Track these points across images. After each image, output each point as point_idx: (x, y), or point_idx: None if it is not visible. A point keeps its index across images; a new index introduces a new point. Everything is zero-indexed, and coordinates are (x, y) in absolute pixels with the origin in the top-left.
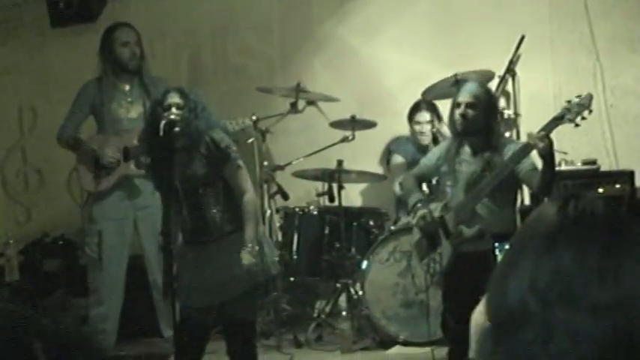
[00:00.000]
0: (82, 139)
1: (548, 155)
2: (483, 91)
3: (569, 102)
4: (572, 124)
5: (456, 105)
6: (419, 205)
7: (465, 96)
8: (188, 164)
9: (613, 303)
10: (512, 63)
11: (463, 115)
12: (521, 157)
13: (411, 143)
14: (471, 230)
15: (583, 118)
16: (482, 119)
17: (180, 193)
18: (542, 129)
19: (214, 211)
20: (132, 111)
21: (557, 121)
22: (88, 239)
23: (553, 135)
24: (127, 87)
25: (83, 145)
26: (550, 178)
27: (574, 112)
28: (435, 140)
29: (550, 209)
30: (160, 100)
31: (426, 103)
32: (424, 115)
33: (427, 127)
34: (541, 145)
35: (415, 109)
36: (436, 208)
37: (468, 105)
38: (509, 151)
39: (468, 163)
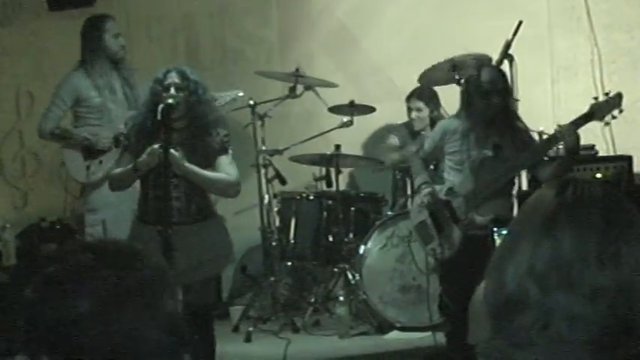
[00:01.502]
0: (70, 129)
1: (573, 150)
2: (503, 74)
3: (596, 99)
4: (602, 122)
5: (479, 91)
6: (423, 185)
7: (490, 84)
8: (182, 146)
9: (611, 287)
10: (509, 47)
11: (490, 104)
12: (546, 150)
13: (406, 127)
14: (484, 219)
15: (614, 117)
16: (505, 104)
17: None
18: (572, 123)
19: (188, 196)
20: (117, 101)
21: (587, 118)
22: (91, 229)
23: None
24: (112, 78)
25: (74, 135)
26: (567, 171)
27: (604, 110)
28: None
29: (548, 194)
30: (160, 79)
31: (422, 90)
32: (416, 103)
33: (419, 114)
34: (569, 139)
35: (411, 95)
36: (441, 190)
37: (495, 92)
38: (520, 139)
39: (478, 147)
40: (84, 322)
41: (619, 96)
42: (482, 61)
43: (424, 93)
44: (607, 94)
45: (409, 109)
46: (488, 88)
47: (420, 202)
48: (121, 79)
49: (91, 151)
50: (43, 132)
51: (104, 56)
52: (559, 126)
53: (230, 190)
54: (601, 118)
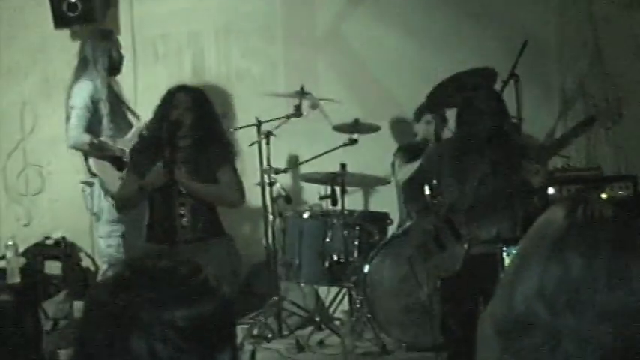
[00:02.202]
0: (105, 141)
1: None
2: (497, 97)
3: (595, 106)
4: (604, 129)
5: (473, 112)
6: (423, 210)
7: (482, 105)
8: (186, 164)
9: (621, 308)
10: (515, 68)
11: (483, 123)
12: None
13: (406, 149)
14: (485, 233)
15: (614, 122)
16: (498, 126)
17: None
18: (569, 134)
19: (194, 213)
20: (118, 113)
21: (589, 123)
22: (110, 240)
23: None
24: (111, 90)
25: (111, 146)
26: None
27: (604, 115)
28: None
29: (558, 214)
30: (170, 96)
31: (427, 107)
32: (422, 121)
33: (424, 132)
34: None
35: (418, 113)
36: (441, 207)
37: (486, 114)
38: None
39: (475, 164)
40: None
41: (619, 100)
42: (485, 77)
43: (432, 109)
44: (607, 99)
45: (416, 127)
46: (481, 110)
47: (422, 228)
48: (113, 92)
49: (121, 163)
50: (80, 143)
51: (105, 67)
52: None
53: (234, 198)
54: (602, 124)
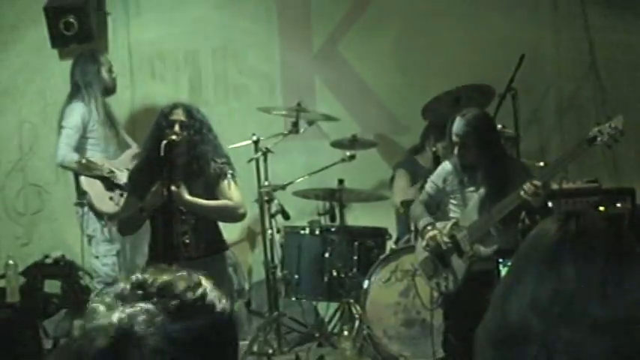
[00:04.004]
0: (94, 161)
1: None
2: (473, 127)
3: (598, 124)
4: (607, 147)
5: (452, 143)
6: (428, 227)
7: (456, 137)
8: (185, 182)
9: (614, 320)
10: (512, 82)
11: (460, 156)
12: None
13: (415, 163)
14: (488, 249)
15: (616, 140)
16: (480, 153)
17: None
18: (570, 154)
19: (196, 230)
20: (110, 133)
21: (591, 142)
22: (104, 259)
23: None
24: (104, 110)
25: (99, 166)
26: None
27: (607, 134)
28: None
29: (551, 227)
30: (166, 114)
31: (422, 114)
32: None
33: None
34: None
35: (430, 131)
36: (444, 226)
37: (461, 145)
38: (516, 170)
39: (477, 184)
40: None
41: (620, 120)
42: (483, 93)
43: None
44: (609, 117)
45: (426, 142)
46: (455, 141)
47: (425, 245)
48: (107, 112)
49: (111, 184)
50: (67, 161)
51: (99, 89)
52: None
53: (234, 213)
54: (604, 143)
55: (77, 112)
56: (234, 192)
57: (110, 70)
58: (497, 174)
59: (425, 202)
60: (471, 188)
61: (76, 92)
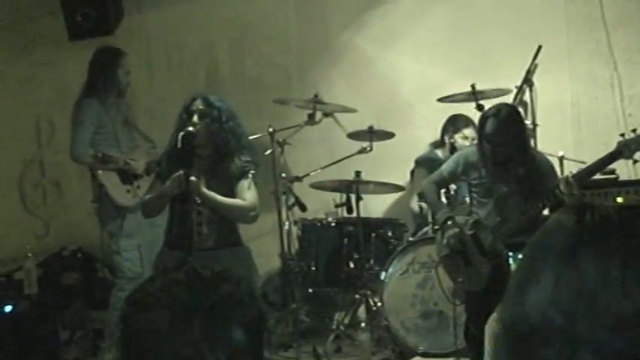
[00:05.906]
0: (109, 154)
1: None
2: (508, 126)
3: (622, 135)
4: (631, 161)
5: (484, 141)
6: (449, 222)
7: (490, 137)
8: (206, 174)
9: (637, 315)
10: (529, 73)
11: (493, 154)
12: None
13: (436, 158)
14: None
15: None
16: (513, 151)
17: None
18: (592, 167)
19: (211, 222)
20: (125, 130)
21: (615, 156)
22: (126, 254)
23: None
24: (119, 109)
25: (114, 159)
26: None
27: (633, 148)
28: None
29: (567, 220)
30: (187, 106)
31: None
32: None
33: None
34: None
35: (459, 122)
36: (466, 223)
37: (496, 144)
38: (541, 167)
39: (499, 182)
40: None
41: None
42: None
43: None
44: (634, 130)
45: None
46: (490, 140)
47: (447, 242)
48: (122, 112)
49: (127, 176)
50: (82, 156)
51: (115, 88)
52: (566, 179)
53: (245, 215)
54: (629, 156)
55: (92, 107)
56: (251, 193)
57: (127, 73)
58: (528, 173)
59: (437, 183)
60: (500, 185)
61: (91, 87)
